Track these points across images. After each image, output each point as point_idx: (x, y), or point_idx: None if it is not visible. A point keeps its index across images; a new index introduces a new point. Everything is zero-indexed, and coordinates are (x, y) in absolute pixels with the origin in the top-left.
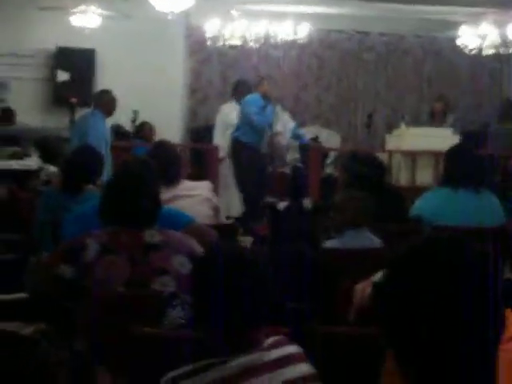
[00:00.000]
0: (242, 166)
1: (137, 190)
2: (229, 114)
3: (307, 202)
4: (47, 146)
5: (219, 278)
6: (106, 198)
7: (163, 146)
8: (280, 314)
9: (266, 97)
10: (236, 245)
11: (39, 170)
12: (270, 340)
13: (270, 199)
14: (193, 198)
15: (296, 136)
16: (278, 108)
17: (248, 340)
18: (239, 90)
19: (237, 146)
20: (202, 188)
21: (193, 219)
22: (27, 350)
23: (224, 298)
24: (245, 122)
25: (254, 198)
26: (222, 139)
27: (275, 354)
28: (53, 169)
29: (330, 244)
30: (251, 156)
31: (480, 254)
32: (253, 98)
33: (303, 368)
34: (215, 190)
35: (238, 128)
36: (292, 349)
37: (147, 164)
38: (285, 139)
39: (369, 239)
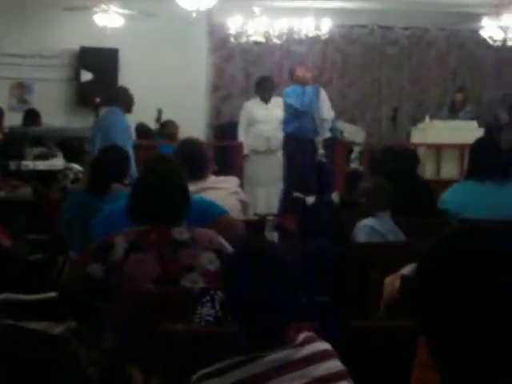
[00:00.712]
0: (287, 158)
1: (165, 188)
2: (252, 110)
3: (335, 196)
4: (69, 146)
5: (250, 275)
6: (135, 197)
7: (190, 143)
8: (307, 308)
9: (302, 82)
10: (267, 241)
11: (65, 169)
12: (302, 336)
13: (297, 194)
14: (221, 190)
15: (334, 129)
16: (323, 92)
17: (280, 337)
18: (262, 87)
19: (284, 139)
20: (230, 182)
21: (225, 210)
22: (58, 349)
23: (255, 294)
24: (287, 113)
25: (289, 192)
26: (245, 136)
27: (306, 350)
28: (78, 167)
29: (365, 222)
30: (294, 148)
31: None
32: (289, 88)
33: (334, 364)
34: (240, 187)
35: (284, 121)
36: (322, 345)
37: (175, 162)
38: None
39: (393, 224)
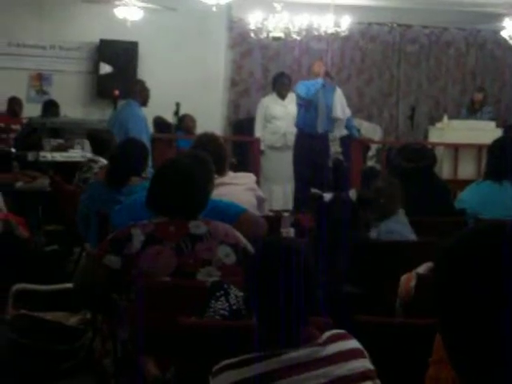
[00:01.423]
0: (295, 154)
1: (185, 182)
2: (269, 106)
3: (353, 194)
4: (98, 139)
5: (273, 272)
6: (154, 189)
7: (208, 138)
8: (324, 304)
9: (315, 75)
10: (290, 238)
11: (89, 161)
12: (327, 334)
13: (315, 190)
14: (237, 185)
15: (349, 126)
16: (339, 90)
17: (301, 334)
18: (279, 83)
19: (295, 134)
20: (247, 178)
21: (244, 209)
22: (73, 340)
23: (277, 291)
24: (297, 105)
25: (300, 188)
26: (262, 132)
27: (331, 349)
28: (103, 161)
29: (390, 227)
30: (303, 143)
31: None
32: (303, 81)
33: (359, 364)
34: (257, 182)
35: (296, 115)
36: (350, 344)
37: (198, 157)
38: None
39: (406, 222)
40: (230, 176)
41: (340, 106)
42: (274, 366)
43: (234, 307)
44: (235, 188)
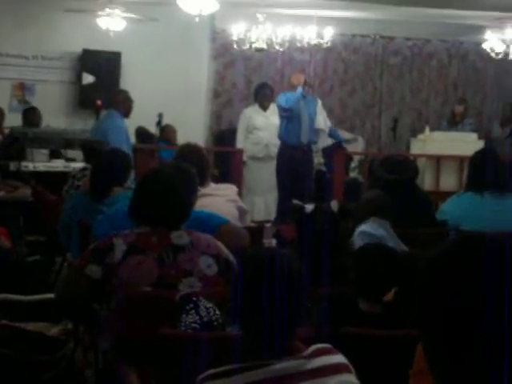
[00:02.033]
0: (278, 165)
1: (167, 193)
2: (252, 117)
3: (334, 205)
4: (90, 148)
5: (257, 282)
6: (136, 199)
7: (190, 149)
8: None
9: (295, 86)
10: (274, 249)
11: (84, 169)
12: (313, 348)
13: (296, 201)
14: (219, 197)
15: (335, 135)
16: (320, 102)
17: (286, 346)
18: (261, 94)
19: (279, 145)
20: (228, 190)
21: (225, 220)
22: (54, 351)
23: (261, 302)
24: (279, 117)
25: (283, 199)
26: (243, 143)
27: (316, 363)
28: None
29: (361, 229)
30: (286, 154)
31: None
32: (283, 92)
33: (344, 378)
34: (239, 193)
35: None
36: (335, 358)
37: (181, 168)
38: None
39: (393, 233)
40: (212, 187)
41: (322, 118)
42: (257, 377)
43: (205, 319)
44: (217, 199)
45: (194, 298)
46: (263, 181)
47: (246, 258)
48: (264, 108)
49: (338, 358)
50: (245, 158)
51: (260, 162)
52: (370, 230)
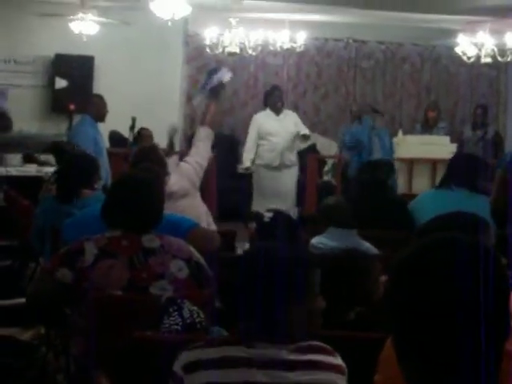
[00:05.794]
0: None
1: (138, 197)
2: (264, 122)
3: (294, 212)
4: (61, 151)
5: (261, 275)
6: (108, 203)
7: (149, 148)
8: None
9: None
10: (272, 245)
11: (46, 176)
12: (306, 343)
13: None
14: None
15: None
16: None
17: (278, 333)
18: (272, 97)
19: None
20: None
21: (195, 224)
22: (26, 356)
23: (261, 294)
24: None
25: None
26: (252, 149)
27: (302, 356)
28: None
29: (315, 241)
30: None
31: (484, 251)
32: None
33: (326, 377)
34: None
35: None
36: (324, 357)
37: (153, 172)
38: None
39: (356, 242)
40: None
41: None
42: (235, 353)
43: (188, 321)
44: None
45: (179, 301)
46: (280, 191)
47: (247, 251)
48: (276, 112)
49: (328, 358)
50: (249, 164)
51: (275, 170)
52: (323, 242)
